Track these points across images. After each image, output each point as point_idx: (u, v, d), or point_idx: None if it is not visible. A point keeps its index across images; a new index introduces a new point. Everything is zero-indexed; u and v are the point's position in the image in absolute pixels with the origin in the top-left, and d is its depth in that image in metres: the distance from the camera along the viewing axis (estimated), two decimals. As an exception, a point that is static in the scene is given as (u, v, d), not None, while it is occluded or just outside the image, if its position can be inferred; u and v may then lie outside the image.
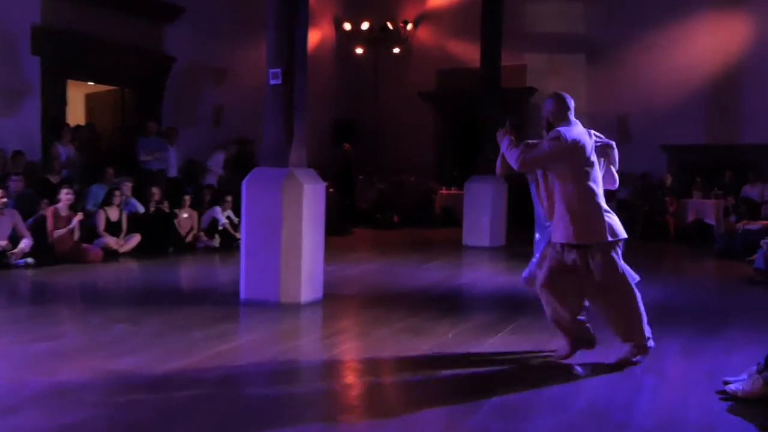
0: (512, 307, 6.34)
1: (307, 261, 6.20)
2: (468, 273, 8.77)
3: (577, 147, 4.22)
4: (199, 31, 12.33)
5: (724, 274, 9.04)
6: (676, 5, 13.96)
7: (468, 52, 14.76)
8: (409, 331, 5.27)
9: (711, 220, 12.38)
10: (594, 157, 4.29)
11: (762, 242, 8.27)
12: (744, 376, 3.86)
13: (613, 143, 4.62)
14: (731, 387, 3.86)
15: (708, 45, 13.71)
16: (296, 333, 5.33)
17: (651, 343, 4.49)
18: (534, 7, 15.24)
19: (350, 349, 4.85)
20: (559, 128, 4.28)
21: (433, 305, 6.32)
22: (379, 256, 9.73)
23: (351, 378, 4.19)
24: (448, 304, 6.53)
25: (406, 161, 16.02)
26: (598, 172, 4.32)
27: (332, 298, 6.46)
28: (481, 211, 11.06)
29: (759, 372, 3.72)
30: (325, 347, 4.88)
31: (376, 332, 5.25)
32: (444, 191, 15.05)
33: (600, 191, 4.28)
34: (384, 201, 14.71)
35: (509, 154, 4.40)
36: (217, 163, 11.96)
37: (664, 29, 14.04)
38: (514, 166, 4.37)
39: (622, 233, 4.28)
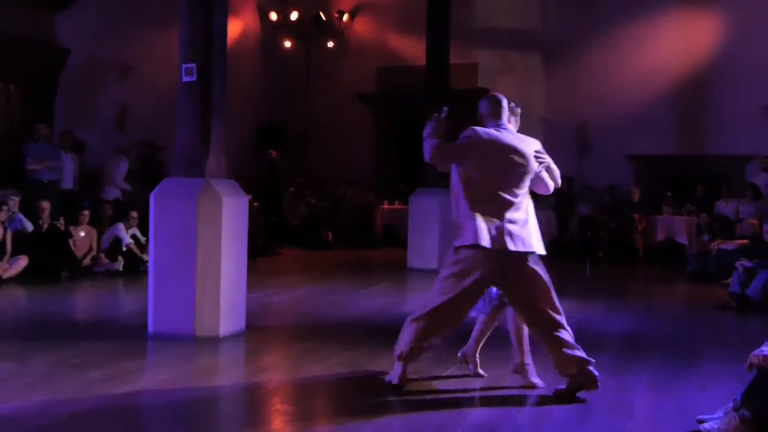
0: (466, 338, 6.38)
1: (227, 287, 6.14)
2: (414, 299, 8.78)
3: (493, 145, 4.57)
4: (98, 19, 12.10)
5: (696, 298, 9.31)
6: (642, 1, 14.44)
7: (412, 49, 14.94)
8: (345, 367, 5.25)
9: (683, 239, 12.78)
10: (512, 164, 4.58)
11: (737, 264, 8.57)
12: (719, 413, 3.95)
13: (550, 164, 4.83)
14: (705, 426, 3.94)
15: (675, 45, 14.20)
16: (213, 372, 5.24)
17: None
18: (486, 0, 15.54)
19: (277, 390, 4.79)
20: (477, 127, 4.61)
21: (374, 337, 6.31)
22: (311, 281, 9.71)
23: (278, 425, 4.14)
24: (392, 335, 6.49)
25: (343, 172, 16.05)
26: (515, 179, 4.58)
27: (257, 330, 6.42)
28: (428, 229, 11.14)
29: (735, 409, 3.80)
30: (247, 388, 4.81)
31: (308, 369, 5.21)
32: (386, 206, 15.11)
33: (510, 198, 4.55)
34: (316, 217, 14.69)
35: (427, 142, 4.73)
36: (120, 172, 11.73)
37: (628, 27, 14.49)
38: (427, 156, 4.68)
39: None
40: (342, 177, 15.89)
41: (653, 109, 14.22)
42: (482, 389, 4.84)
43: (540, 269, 4.58)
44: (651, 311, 8.23)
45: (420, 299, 8.65)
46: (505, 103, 4.78)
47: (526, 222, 4.57)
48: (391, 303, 8.24)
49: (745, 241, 10.14)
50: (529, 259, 4.54)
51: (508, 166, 4.57)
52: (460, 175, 4.64)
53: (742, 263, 8.51)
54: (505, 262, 4.50)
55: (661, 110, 14.23)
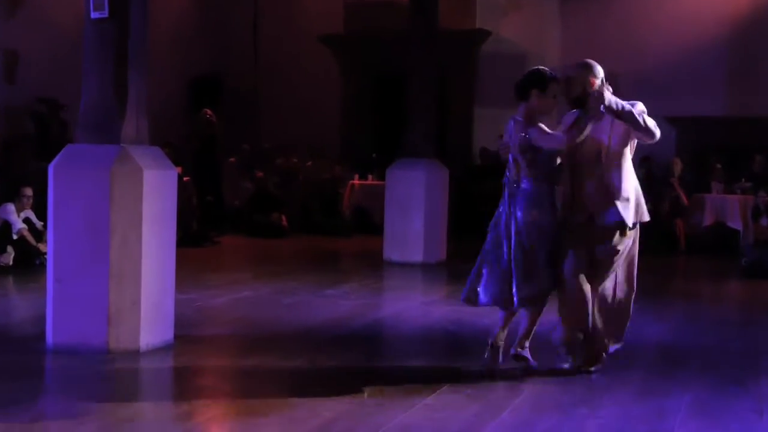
0: (455, 352, 6.41)
1: (149, 287, 6.12)
2: (391, 302, 8.82)
3: None
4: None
5: (753, 299, 9.43)
6: None
7: (391, -22, 14.91)
8: (304, 389, 5.25)
9: (736, 224, 12.90)
10: None
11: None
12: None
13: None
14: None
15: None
16: (132, 396, 5.23)
17: None
18: None
19: (214, 420, 4.78)
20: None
21: (341, 350, 6.32)
22: (260, 279, 9.69)
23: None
24: (363, 348, 6.55)
25: (300, 137, 16.03)
26: None
27: (189, 341, 6.41)
28: (411, 212, 11.16)
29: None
30: (174, 418, 4.79)
31: (255, 392, 5.21)
32: (356, 182, 15.11)
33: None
34: (266, 196, 14.65)
35: (644, 121, 5.53)
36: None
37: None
38: (657, 135, 5.59)
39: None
40: (299, 144, 15.86)
41: (699, 59, 14.33)
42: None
43: None
44: (694, 316, 8.32)
45: (398, 302, 8.85)
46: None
47: None
48: (362, 307, 8.25)
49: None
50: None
51: None
52: (630, 147, 5.69)
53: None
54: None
55: (710, 61, 14.34)
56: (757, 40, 14.26)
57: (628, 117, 5.50)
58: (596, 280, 5.66)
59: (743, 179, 13.43)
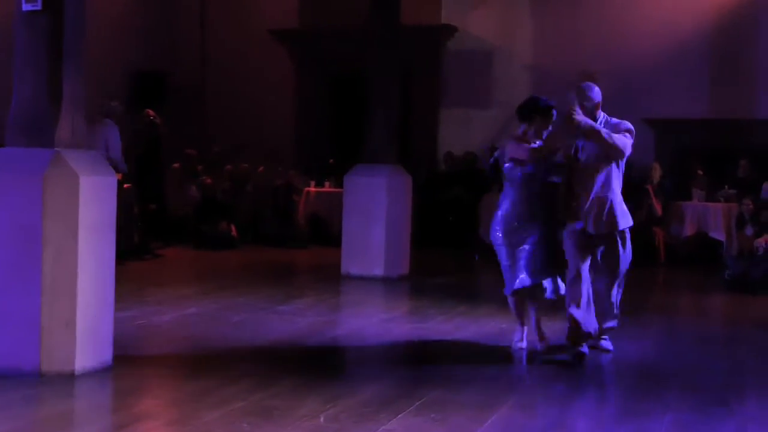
0: (419, 373, 6.44)
1: (86, 303, 6.09)
2: (350, 319, 8.81)
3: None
4: None
5: (736, 315, 9.54)
6: None
7: (349, -32, 14.93)
8: (255, 414, 5.25)
9: (719, 234, 13.01)
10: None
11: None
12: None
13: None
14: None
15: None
16: (64, 425, 5.19)
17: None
18: None
19: (158, 447, 4.76)
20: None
21: (296, 371, 6.33)
22: (208, 294, 9.68)
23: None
24: (319, 369, 6.56)
25: (252, 140, 15.98)
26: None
27: (129, 363, 6.39)
28: (371, 221, 11.19)
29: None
30: (116, 445, 4.77)
31: (202, 418, 5.19)
32: (312, 189, 15.10)
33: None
34: (214, 204, 14.60)
35: (611, 139, 6.71)
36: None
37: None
38: (627, 153, 6.80)
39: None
40: (250, 148, 15.81)
41: (680, 57, 14.47)
42: None
43: None
44: (675, 332, 8.42)
45: (357, 319, 8.85)
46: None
47: None
48: (318, 324, 8.25)
49: (804, 237, 10.40)
50: None
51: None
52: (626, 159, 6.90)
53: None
54: None
55: (691, 59, 14.48)
56: (742, 36, 14.42)
57: (594, 135, 6.68)
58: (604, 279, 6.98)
59: (727, 186, 13.51)
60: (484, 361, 6.81)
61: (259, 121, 16.24)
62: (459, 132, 15.85)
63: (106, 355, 6.26)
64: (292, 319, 8.37)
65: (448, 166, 15.68)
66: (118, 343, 6.41)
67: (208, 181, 14.87)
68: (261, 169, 15.62)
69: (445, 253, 13.88)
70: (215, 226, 14.13)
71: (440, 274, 11.97)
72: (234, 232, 14.23)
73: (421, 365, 6.80)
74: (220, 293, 9.74)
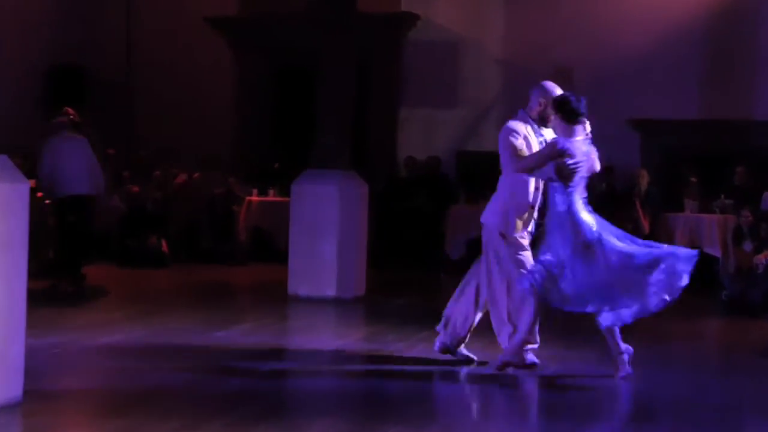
0: (375, 409, 6.37)
1: (-10, 330, 5.99)
2: (297, 347, 8.78)
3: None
4: None
5: (735, 341, 9.57)
6: None
7: (297, -52, 14.89)
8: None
9: (714, 250, 13.03)
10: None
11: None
12: None
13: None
14: None
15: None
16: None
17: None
18: None
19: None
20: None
21: (234, 407, 6.27)
22: (134, 319, 9.62)
23: None
24: (261, 405, 6.48)
25: (185, 143, 15.89)
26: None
27: (43, 398, 6.30)
28: (322, 235, 11.14)
29: None
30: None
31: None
32: (254, 198, 15.02)
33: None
34: (142, 216, 14.47)
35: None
36: None
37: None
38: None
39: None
40: (183, 151, 15.72)
41: (672, 50, 14.55)
42: None
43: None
44: (666, 361, 8.41)
45: (309, 344, 8.75)
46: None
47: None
48: (261, 353, 8.20)
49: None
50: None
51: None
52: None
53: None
54: None
55: (684, 52, 14.57)
56: (740, 27, 14.53)
57: None
58: None
59: (722, 195, 13.50)
60: (451, 395, 6.75)
61: (193, 121, 16.14)
62: (421, 134, 15.85)
63: (16, 389, 6.15)
64: (231, 348, 8.31)
65: (409, 171, 15.66)
66: (30, 374, 6.29)
67: (135, 189, 14.75)
68: (196, 175, 15.49)
69: (407, 271, 13.85)
70: (143, 240, 14.04)
71: (401, 294, 11.97)
72: (165, 248, 14.15)
73: (377, 400, 6.73)
74: (149, 318, 9.68)
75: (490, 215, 7.52)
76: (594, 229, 7.07)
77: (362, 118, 14.79)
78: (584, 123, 7.40)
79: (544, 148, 7.30)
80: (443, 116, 15.76)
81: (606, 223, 7.23)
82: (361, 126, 14.31)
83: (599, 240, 7.02)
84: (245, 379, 7.21)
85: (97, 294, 11.49)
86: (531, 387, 7.21)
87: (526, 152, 7.36)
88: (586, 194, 7.29)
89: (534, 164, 7.22)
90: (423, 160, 15.51)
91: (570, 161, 7.09)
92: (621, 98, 14.49)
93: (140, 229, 14.20)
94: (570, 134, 7.22)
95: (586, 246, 7.00)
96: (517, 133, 7.44)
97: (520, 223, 7.38)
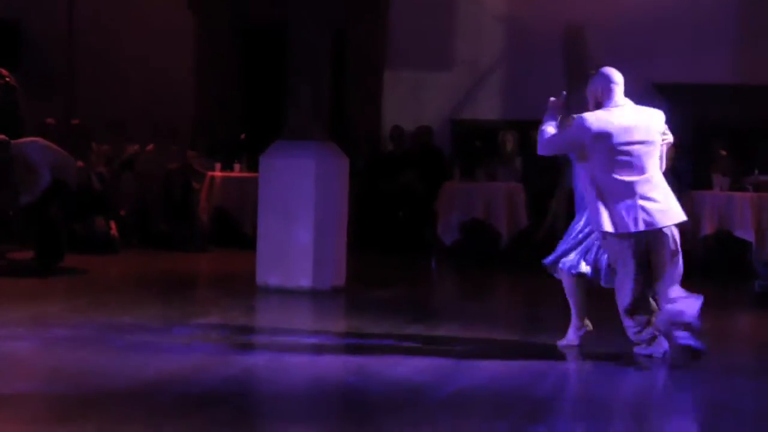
0: (355, 415, 6.45)
1: None
2: (267, 345, 8.78)
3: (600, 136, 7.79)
4: None
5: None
6: None
7: None
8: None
9: (746, 233, 13.08)
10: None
11: None
12: None
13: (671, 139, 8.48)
14: None
15: None
16: None
17: None
18: None
19: None
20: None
21: (194, 413, 6.27)
22: (79, 312, 9.61)
23: None
24: (226, 409, 6.49)
25: (136, 111, 15.88)
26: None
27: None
28: (296, 217, 11.16)
29: None
30: None
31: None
32: (218, 173, 15.03)
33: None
34: (87, 195, 14.45)
35: (542, 133, 8.11)
36: None
37: None
38: (539, 149, 8.19)
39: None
40: (135, 120, 15.71)
41: (698, 7, 14.58)
42: None
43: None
44: (693, 360, 8.44)
45: (281, 341, 8.68)
46: (617, 78, 8.04)
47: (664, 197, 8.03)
48: (227, 351, 8.23)
49: None
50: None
51: (626, 149, 7.86)
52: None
53: None
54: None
55: (713, 9, 14.60)
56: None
57: None
58: None
59: (757, 171, 13.60)
60: (442, 401, 6.79)
61: (147, 86, 16.12)
62: (409, 101, 15.85)
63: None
64: (192, 345, 8.30)
65: (395, 144, 15.68)
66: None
67: (79, 164, 14.71)
68: (150, 147, 15.46)
69: (393, 258, 13.90)
70: (88, 223, 14.02)
71: (385, 285, 12.02)
72: (113, 232, 14.13)
73: (358, 406, 6.76)
74: (97, 311, 9.66)
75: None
76: None
77: (341, 82, 14.83)
78: None
79: None
80: (435, 80, 15.79)
81: None
82: (340, 91, 14.35)
83: None
84: (209, 381, 7.19)
85: (39, 284, 11.53)
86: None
87: None
88: None
89: None
90: (411, 130, 15.53)
91: None
92: (641, 60, 14.50)
93: (85, 210, 14.17)
94: None
95: None
96: None
97: None
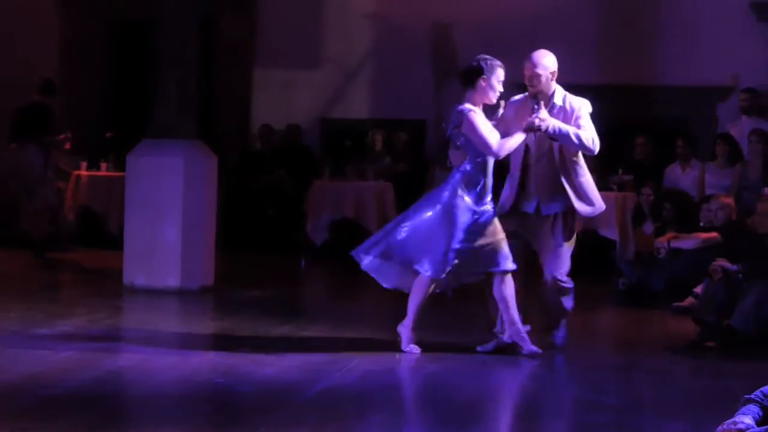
0: (224, 418, 6.42)
1: None
2: (133, 346, 8.70)
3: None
4: None
5: (632, 336, 9.80)
6: None
7: None
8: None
9: (610, 232, 13.26)
10: None
11: (712, 267, 8.93)
12: None
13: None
14: None
15: None
16: None
17: None
18: None
19: None
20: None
21: (58, 418, 6.16)
22: None
23: None
24: (91, 414, 6.42)
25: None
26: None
27: None
28: (163, 216, 11.10)
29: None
30: None
31: None
32: (83, 172, 14.86)
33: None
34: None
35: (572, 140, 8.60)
36: None
37: None
38: (593, 151, 8.77)
39: None
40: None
41: (563, 7, 14.77)
42: None
43: None
44: (555, 358, 8.53)
45: (148, 342, 8.59)
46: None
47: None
48: (92, 353, 8.12)
49: (713, 234, 10.68)
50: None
51: None
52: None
53: (721, 264, 8.89)
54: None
55: (581, 8, 14.81)
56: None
57: (563, 139, 8.48)
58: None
59: (621, 170, 13.76)
60: (312, 401, 6.80)
61: (7, 81, 15.81)
62: (279, 99, 15.82)
63: None
64: (55, 348, 8.17)
65: (264, 142, 15.65)
66: None
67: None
68: (14, 146, 15.19)
69: (262, 257, 13.87)
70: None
71: (255, 285, 11.99)
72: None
73: (227, 407, 6.75)
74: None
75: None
76: None
77: (209, 80, 14.74)
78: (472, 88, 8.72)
79: None
80: (304, 78, 15.76)
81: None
82: (208, 89, 14.27)
83: None
84: (74, 383, 7.11)
85: None
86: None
87: None
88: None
89: None
90: (281, 129, 15.51)
91: None
92: (507, 59, 14.56)
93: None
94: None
95: None
96: None
97: None
